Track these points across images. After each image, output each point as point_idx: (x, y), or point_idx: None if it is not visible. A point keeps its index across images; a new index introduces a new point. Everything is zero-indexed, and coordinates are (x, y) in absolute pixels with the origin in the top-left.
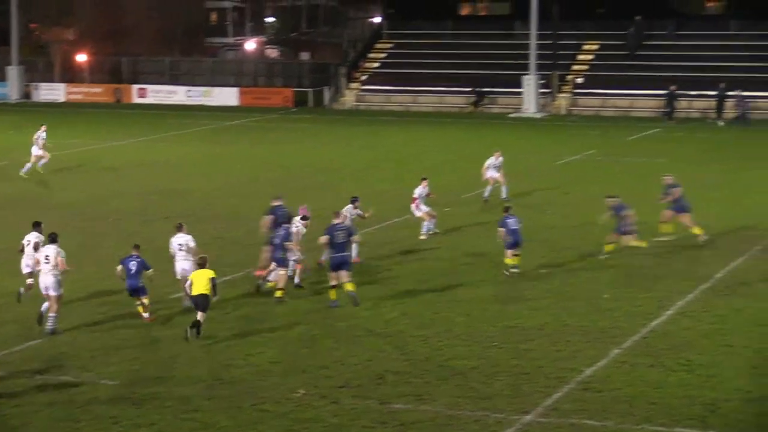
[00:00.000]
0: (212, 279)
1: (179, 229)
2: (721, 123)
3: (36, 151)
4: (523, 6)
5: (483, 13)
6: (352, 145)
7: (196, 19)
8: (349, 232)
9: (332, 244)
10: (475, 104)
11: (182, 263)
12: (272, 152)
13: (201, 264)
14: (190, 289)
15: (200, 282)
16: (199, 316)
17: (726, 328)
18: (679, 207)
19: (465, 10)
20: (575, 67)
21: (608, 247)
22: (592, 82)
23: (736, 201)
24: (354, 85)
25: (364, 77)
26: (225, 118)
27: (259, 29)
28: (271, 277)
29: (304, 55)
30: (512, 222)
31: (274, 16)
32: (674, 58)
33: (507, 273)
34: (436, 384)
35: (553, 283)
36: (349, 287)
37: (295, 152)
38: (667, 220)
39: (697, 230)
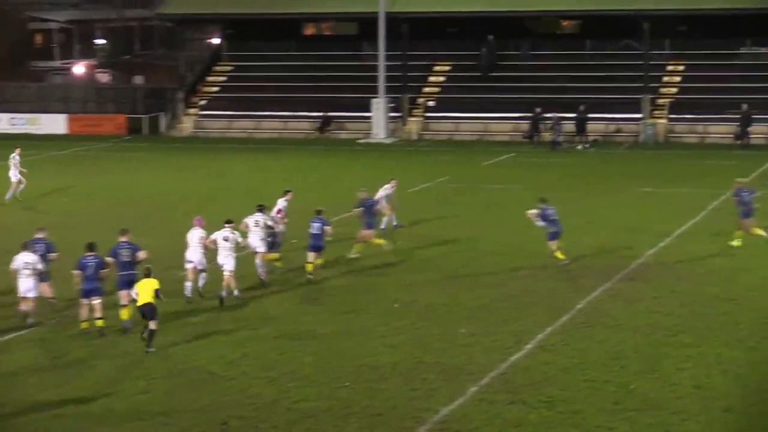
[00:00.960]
0: (157, 290)
1: (24, 248)
2: (580, 147)
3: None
4: (371, 26)
5: (328, 33)
6: (191, 174)
7: (19, 41)
8: (134, 250)
9: (117, 264)
10: (321, 129)
11: (25, 282)
12: (105, 183)
13: (147, 274)
14: (137, 299)
15: (146, 292)
16: (152, 324)
17: (587, 362)
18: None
19: (309, 30)
20: (426, 90)
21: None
22: (444, 105)
23: (594, 228)
24: (192, 110)
25: (202, 102)
26: (53, 148)
27: (88, 52)
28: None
29: (138, 79)
30: (316, 227)
31: (104, 38)
32: (529, 80)
33: (310, 276)
34: (285, 428)
35: (408, 319)
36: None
37: (129, 183)
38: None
39: (560, 254)
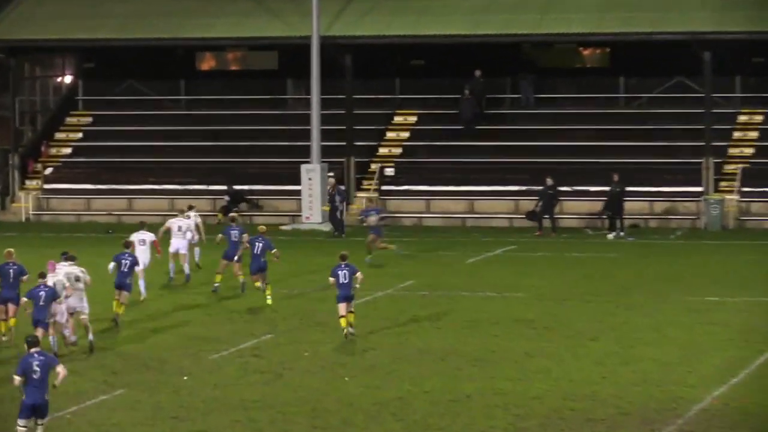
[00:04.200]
0: None
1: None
2: (612, 235)
3: None
4: (299, 57)
5: (235, 68)
6: (26, 287)
7: None
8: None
9: None
10: (227, 211)
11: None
12: None
13: None
14: None
15: None
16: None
17: None
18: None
19: (207, 64)
20: (382, 151)
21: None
22: (409, 173)
23: (634, 355)
24: (32, 183)
25: (48, 170)
26: None
27: None
28: None
29: None
30: (344, 275)
31: None
32: (535, 135)
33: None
34: None
35: None
36: None
37: None
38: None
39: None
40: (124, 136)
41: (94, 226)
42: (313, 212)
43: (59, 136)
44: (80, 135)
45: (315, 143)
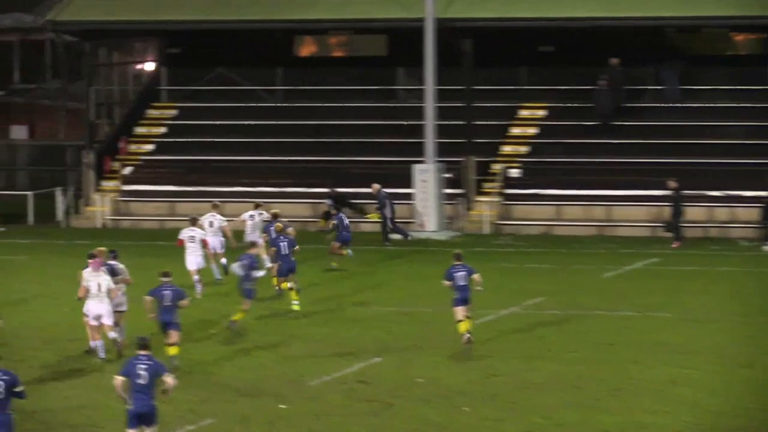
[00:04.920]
0: None
1: None
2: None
3: None
4: (411, 43)
5: (340, 55)
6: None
7: None
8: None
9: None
10: (327, 216)
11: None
12: None
13: None
14: None
15: None
16: None
17: None
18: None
19: (307, 49)
20: (507, 149)
21: None
22: (537, 175)
23: None
24: (109, 184)
25: (127, 170)
26: None
27: None
28: None
29: (18, 131)
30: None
31: None
32: (680, 132)
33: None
34: None
35: None
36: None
37: (10, 308)
38: None
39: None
40: (213, 132)
41: (178, 234)
42: (427, 218)
43: (140, 130)
44: (163, 130)
45: (429, 140)
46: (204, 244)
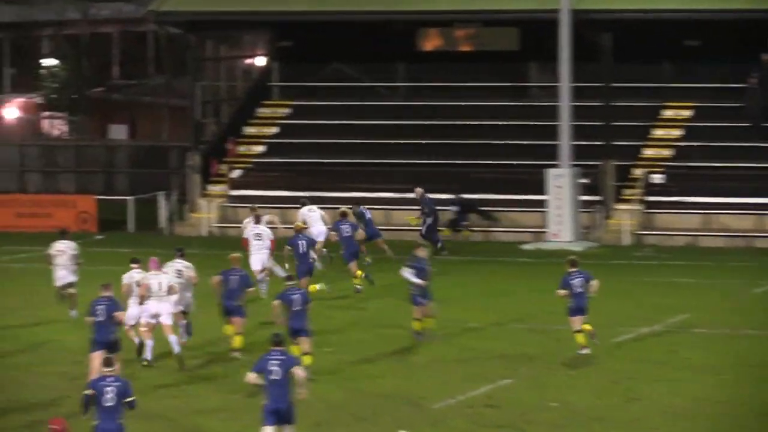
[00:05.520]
0: None
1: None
2: None
3: None
4: (544, 37)
5: (465, 49)
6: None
7: None
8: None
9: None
10: (454, 225)
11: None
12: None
13: None
14: None
15: None
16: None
17: None
18: None
19: (430, 43)
20: (648, 153)
21: None
22: (683, 180)
23: None
24: (216, 189)
25: (235, 173)
26: None
27: (25, 80)
28: None
29: (118, 131)
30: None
31: (56, 56)
32: None
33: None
34: None
35: None
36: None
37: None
38: None
39: None
40: (329, 132)
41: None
42: (561, 228)
43: (249, 130)
44: (275, 130)
45: (564, 143)
46: (270, 243)
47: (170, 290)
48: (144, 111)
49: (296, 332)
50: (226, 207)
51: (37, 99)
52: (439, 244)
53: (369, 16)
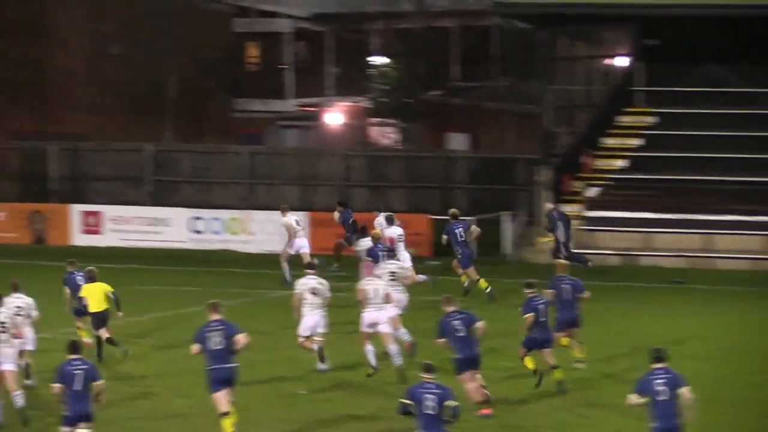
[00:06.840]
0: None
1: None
2: None
3: None
4: None
5: None
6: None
7: (217, 60)
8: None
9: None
10: None
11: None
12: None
13: (91, 278)
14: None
15: (95, 297)
16: (102, 333)
17: None
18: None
19: None
20: None
21: None
22: None
23: None
24: (569, 209)
25: (592, 191)
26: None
27: (354, 82)
28: None
29: (457, 140)
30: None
31: (387, 54)
32: None
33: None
34: None
35: None
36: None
37: None
38: None
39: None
40: (702, 145)
41: (655, 272)
42: None
43: (608, 142)
44: (639, 142)
45: None
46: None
47: (387, 297)
48: (486, 118)
49: (544, 342)
50: (580, 230)
51: (365, 103)
52: (590, 264)
53: (751, 11)
